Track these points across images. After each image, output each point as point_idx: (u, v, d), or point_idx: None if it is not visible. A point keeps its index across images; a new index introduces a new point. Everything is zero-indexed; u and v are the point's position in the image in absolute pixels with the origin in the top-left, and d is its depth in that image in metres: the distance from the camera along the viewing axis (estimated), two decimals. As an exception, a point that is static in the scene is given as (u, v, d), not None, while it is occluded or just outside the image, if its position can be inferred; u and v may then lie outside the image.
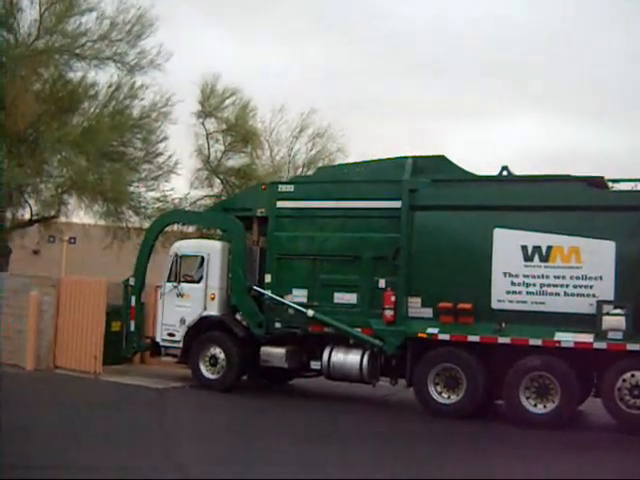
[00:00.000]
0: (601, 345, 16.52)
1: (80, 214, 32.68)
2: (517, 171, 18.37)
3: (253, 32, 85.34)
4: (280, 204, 20.06)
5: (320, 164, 39.40)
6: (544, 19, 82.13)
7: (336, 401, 19.90)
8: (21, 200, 30.38)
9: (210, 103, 37.08)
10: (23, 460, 11.79)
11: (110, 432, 14.44)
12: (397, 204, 18.57)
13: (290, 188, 20.33)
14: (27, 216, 31.56)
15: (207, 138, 37.48)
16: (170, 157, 33.17)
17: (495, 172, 18.36)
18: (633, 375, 16.42)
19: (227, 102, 37.47)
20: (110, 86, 31.29)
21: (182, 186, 35.89)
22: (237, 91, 37.53)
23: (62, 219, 33.03)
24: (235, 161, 38.39)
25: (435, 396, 17.98)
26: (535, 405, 17.13)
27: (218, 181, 37.28)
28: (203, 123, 37.32)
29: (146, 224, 29.94)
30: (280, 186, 20.63)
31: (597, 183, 17.71)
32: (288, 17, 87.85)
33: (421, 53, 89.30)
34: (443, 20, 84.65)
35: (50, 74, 30.23)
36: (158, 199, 32.87)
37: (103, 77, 31.27)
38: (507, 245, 17.61)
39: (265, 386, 21.54)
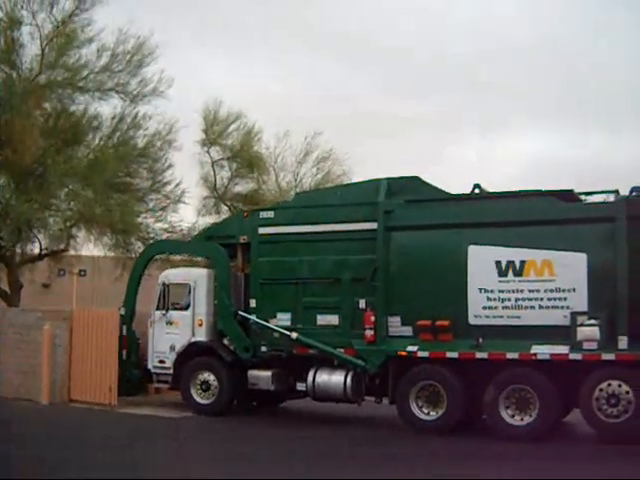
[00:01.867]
0: (576, 356, 16.39)
1: (89, 246, 32.61)
2: (522, 185, 18.18)
3: (252, 56, 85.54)
4: (262, 230, 20.07)
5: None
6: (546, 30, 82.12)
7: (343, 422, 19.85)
8: (30, 235, 30.20)
9: (214, 130, 37.13)
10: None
11: (126, 462, 14.19)
12: (373, 225, 18.53)
13: (270, 214, 20.32)
14: (37, 250, 31.36)
15: (212, 166, 37.58)
16: (177, 186, 32.93)
17: (504, 187, 18.33)
18: (610, 384, 16.27)
19: (231, 128, 37.60)
20: (114, 117, 31.12)
21: (190, 215, 35.82)
22: (240, 116, 37.57)
23: (71, 252, 32.82)
24: (242, 187, 38.52)
25: (417, 413, 17.84)
26: (515, 417, 17.02)
27: (225, 208, 37.17)
28: (208, 151, 37.45)
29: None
30: (261, 213, 20.61)
31: (567, 197, 17.60)
32: (285, 40, 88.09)
33: (423, 69, 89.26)
34: (443, 35, 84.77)
35: (53, 108, 30.10)
36: (166, 229, 32.62)
37: (107, 108, 31.13)
38: (481, 261, 17.51)
39: (254, 410, 21.55)
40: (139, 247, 31.56)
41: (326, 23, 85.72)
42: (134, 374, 21.46)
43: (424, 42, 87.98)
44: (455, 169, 74.24)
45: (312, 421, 20.36)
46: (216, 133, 37.24)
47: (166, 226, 32.59)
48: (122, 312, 21.58)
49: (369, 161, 60.65)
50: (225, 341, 20.42)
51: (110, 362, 21.22)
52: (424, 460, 15.15)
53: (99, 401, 21.24)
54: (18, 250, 30.51)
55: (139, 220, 31.75)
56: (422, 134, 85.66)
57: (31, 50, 29.16)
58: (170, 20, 60.95)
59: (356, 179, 35.89)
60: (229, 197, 37.78)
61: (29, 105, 28.19)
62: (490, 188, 18.72)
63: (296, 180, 41.63)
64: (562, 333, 16.53)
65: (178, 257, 28.67)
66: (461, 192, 18.92)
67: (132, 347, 21.54)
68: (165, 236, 32.07)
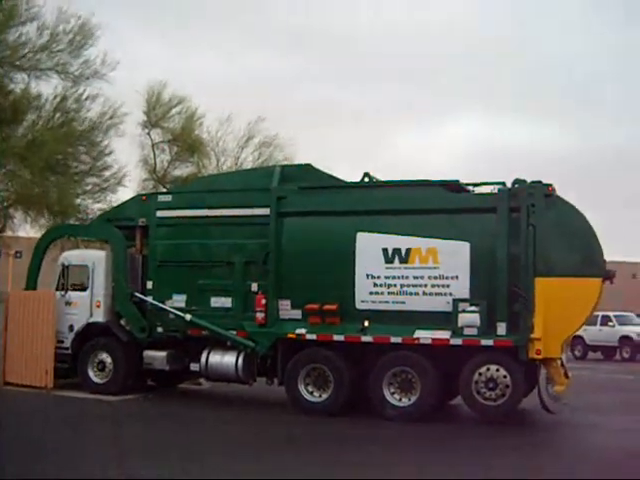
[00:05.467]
0: (457, 341, 16.23)
1: (26, 228, 31.03)
2: (463, 172, 17.79)
3: (195, 43, 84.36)
4: (160, 213, 19.43)
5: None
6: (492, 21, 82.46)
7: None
8: (-34, 215, 28.89)
9: (156, 113, 35.99)
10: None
11: (61, 447, 13.28)
12: (266, 211, 18.07)
13: (168, 198, 19.81)
14: (-28, 231, 30.02)
15: (153, 148, 36.46)
16: (117, 171, 31.27)
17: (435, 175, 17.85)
18: (488, 369, 16.18)
19: (173, 111, 36.53)
20: (55, 97, 29.29)
21: (129, 195, 34.32)
22: (183, 100, 36.49)
23: (8, 233, 31.39)
24: (182, 170, 37.47)
25: (305, 395, 17.40)
26: (396, 397, 16.76)
27: (164, 191, 35.98)
28: (149, 133, 36.32)
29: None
30: (159, 196, 20.13)
31: (453, 187, 17.40)
32: (229, 26, 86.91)
33: (367, 57, 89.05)
34: (388, 24, 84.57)
35: None
36: (105, 210, 31.12)
37: (47, 88, 29.32)
38: (369, 248, 17.16)
39: (166, 390, 20.78)
40: (77, 228, 30.12)
41: (273, 11, 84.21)
42: None
43: (367, 32, 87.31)
44: (396, 157, 74.44)
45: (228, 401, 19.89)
46: (158, 115, 36.17)
47: (105, 207, 30.62)
48: None
49: (312, 148, 60.13)
50: (122, 322, 19.75)
51: (46, 344, 19.89)
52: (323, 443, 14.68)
53: (35, 384, 19.85)
54: (-47, 230, 29.07)
55: (77, 201, 30.28)
56: (365, 123, 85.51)
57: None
58: (111, 2, 58.26)
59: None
60: (168, 180, 36.70)
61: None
62: (405, 176, 18.33)
63: (237, 165, 40.40)
64: (444, 319, 16.34)
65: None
66: (352, 180, 18.60)
67: None
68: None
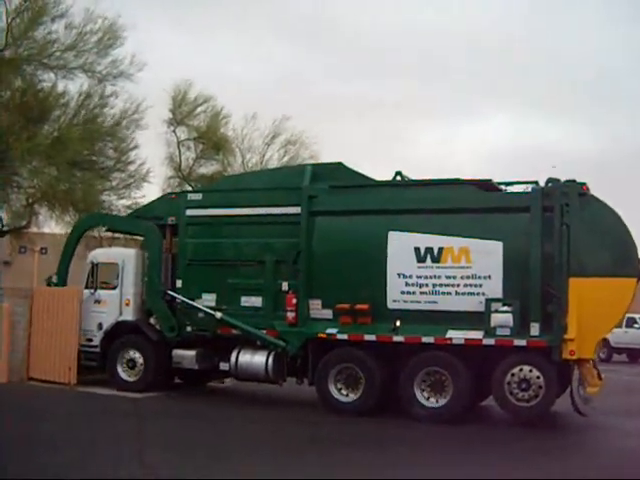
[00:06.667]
0: (490, 341, 15.99)
1: (51, 224, 31.35)
2: (485, 171, 17.57)
3: (223, 41, 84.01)
4: (189, 212, 19.30)
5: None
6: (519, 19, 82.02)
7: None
8: (-9, 211, 28.94)
9: (181, 111, 36.26)
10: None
11: (84, 442, 13.23)
12: (297, 210, 17.90)
13: (198, 197, 19.62)
14: (-3, 227, 30.03)
15: (178, 146, 36.61)
16: (141, 165, 31.55)
17: (463, 173, 17.68)
18: (521, 369, 15.93)
19: (199, 110, 36.76)
20: (80, 95, 29.50)
21: (154, 194, 34.44)
22: (209, 99, 36.63)
23: (33, 229, 31.64)
24: (207, 168, 37.74)
25: (336, 394, 17.21)
26: (430, 399, 16.54)
27: (190, 189, 35.96)
28: (174, 131, 36.50)
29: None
30: (189, 195, 19.99)
31: (485, 186, 17.17)
32: (256, 25, 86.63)
33: (393, 54, 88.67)
34: (413, 22, 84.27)
35: (19, 84, 28.45)
36: (129, 207, 30.75)
37: (73, 87, 29.57)
38: (401, 247, 16.97)
39: (195, 389, 20.67)
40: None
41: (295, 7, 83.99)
42: None
43: (396, 25, 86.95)
44: (417, 155, 74.21)
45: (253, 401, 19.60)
46: (183, 113, 36.41)
47: (129, 203, 31.06)
48: (54, 280, 20.79)
49: (333, 145, 59.83)
50: (152, 320, 19.74)
51: (70, 340, 19.84)
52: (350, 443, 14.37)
53: (58, 380, 19.79)
54: (-22, 226, 29.16)
55: (102, 198, 30.46)
56: (390, 118, 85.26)
57: (-2, 23, 27.40)
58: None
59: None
60: (194, 178, 36.86)
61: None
62: (429, 175, 18.15)
63: (262, 162, 40.42)
64: (477, 319, 16.12)
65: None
66: (384, 179, 18.40)
67: None
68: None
